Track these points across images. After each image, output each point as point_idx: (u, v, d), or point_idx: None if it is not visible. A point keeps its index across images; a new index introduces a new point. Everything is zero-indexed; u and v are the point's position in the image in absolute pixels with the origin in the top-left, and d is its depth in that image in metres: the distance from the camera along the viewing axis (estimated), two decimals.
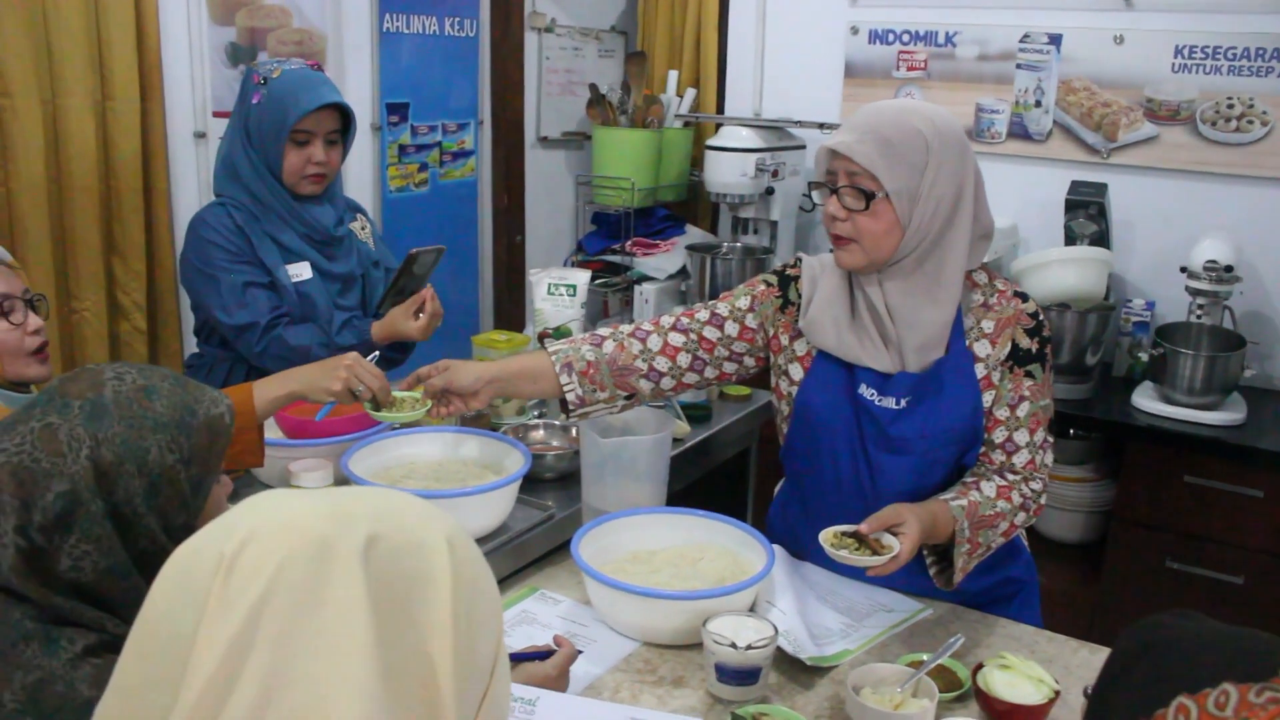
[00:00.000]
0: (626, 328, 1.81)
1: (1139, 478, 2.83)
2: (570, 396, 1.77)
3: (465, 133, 4.28)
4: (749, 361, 1.84)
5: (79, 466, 1.12)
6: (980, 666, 1.48)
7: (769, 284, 1.83)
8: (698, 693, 1.49)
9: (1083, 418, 2.94)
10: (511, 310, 4.39)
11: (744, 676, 1.44)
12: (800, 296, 1.78)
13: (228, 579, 0.69)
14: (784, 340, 1.80)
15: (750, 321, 1.80)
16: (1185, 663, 0.72)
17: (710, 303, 1.84)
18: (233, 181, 2.32)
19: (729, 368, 1.83)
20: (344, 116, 2.37)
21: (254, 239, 2.31)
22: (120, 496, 1.14)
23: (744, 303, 1.82)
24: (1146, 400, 2.88)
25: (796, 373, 1.77)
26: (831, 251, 1.74)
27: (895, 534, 1.53)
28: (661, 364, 1.78)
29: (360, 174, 3.89)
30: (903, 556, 1.50)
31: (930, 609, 1.74)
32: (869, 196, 1.61)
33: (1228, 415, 2.78)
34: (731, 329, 1.80)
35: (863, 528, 1.54)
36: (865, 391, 1.69)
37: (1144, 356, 2.97)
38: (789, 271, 1.83)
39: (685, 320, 1.81)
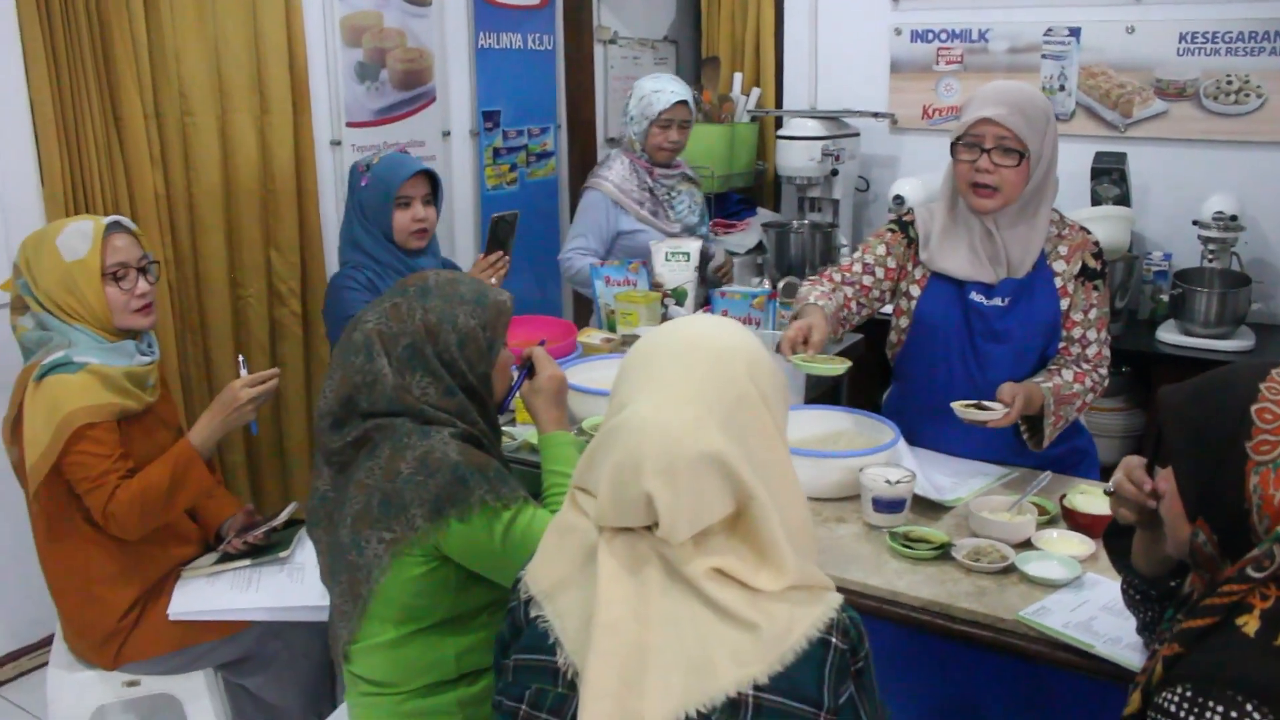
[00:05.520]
0: (823, 286, 2.33)
1: None
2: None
3: (546, 136, 4.80)
4: (889, 296, 2.38)
5: (415, 326, 1.71)
6: (1064, 495, 1.99)
7: (894, 231, 2.36)
8: (856, 525, 2.00)
9: (1114, 352, 3.42)
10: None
11: (894, 506, 1.95)
12: (918, 235, 2.30)
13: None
14: (908, 268, 2.32)
15: (890, 263, 2.34)
16: (1230, 383, 1.20)
17: (855, 255, 2.38)
18: (356, 251, 2.76)
19: (878, 305, 2.38)
20: (432, 182, 2.83)
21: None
22: (442, 346, 1.72)
23: (881, 250, 2.35)
24: (1169, 334, 3.39)
25: (915, 291, 2.31)
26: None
27: (1004, 404, 2.08)
28: (844, 314, 2.33)
29: (462, 175, 4.41)
30: (1014, 414, 2.06)
31: (1017, 473, 2.24)
32: (1019, 155, 2.11)
33: (1238, 343, 3.29)
34: (879, 272, 2.35)
35: (983, 403, 2.09)
36: (975, 297, 2.23)
37: (1165, 298, 3.48)
38: (905, 219, 2.36)
39: (848, 274, 2.36)
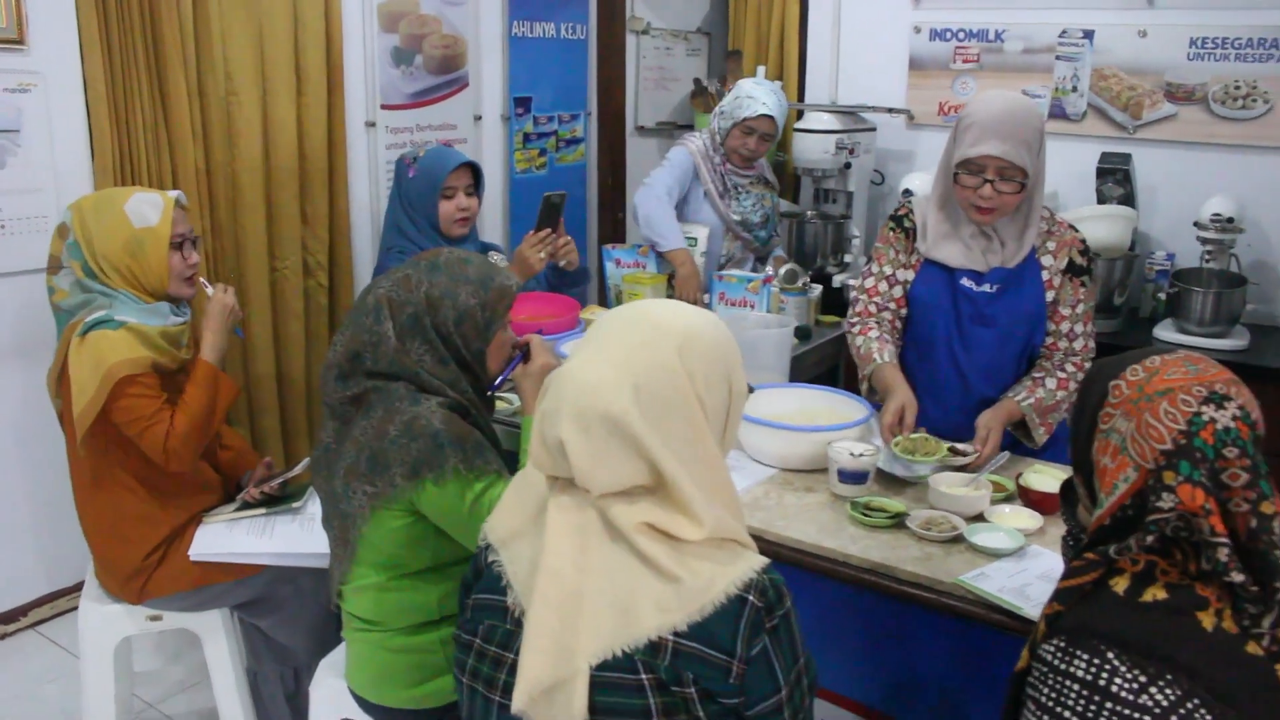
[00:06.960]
0: (872, 328, 2.43)
1: None
2: None
3: (576, 123, 4.95)
4: None
5: (419, 297, 1.87)
6: (1020, 474, 2.11)
7: (893, 229, 2.49)
8: (823, 495, 2.13)
9: (1111, 347, 3.51)
10: None
11: (857, 478, 2.09)
12: (913, 224, 2.44)
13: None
14: (908, 256, 2.46)
15: (901, 259, 2.46)
16: (1120, 361, 1.34)
17: (874, 272, 2.49)
18: (401, 238, 2.93)
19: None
20: (475, 174, 3.00)
21: None
22: (440, 319, 1.87)
23: (891, 254, 2.48)
24: (1166, 332, 3.47)
25: (909, 275, 2.45)
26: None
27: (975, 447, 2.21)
28: (895, 339, 2.45)
29: (491, 159, 4.57)
30: (986, 454, 2.21)
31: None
32: (1021, 184, 2.24)
33: (1233, 342, 3.37)
34: (900, 276, 2.46)
35: (956, 446, 2.21)
36: (965, 283, 2.37)
37: (1163, 296, 3.57)
38: (899, 213, 2.49)
39: (878, 299, 2.47)
